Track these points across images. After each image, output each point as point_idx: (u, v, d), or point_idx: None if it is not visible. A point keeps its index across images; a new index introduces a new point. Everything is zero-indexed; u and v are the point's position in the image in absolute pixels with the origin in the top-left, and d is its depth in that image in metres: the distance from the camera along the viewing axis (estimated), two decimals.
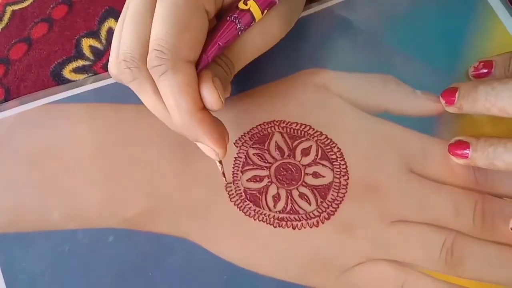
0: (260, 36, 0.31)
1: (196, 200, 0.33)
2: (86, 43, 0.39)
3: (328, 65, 0.37)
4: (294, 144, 0.34)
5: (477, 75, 0.35)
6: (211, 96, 0.28)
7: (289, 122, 0.35)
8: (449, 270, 0.31)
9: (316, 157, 0.34)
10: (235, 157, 0.34)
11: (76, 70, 0.38)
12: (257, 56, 0.32)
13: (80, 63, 0.39)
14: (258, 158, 0.34)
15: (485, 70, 0.35)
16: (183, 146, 0.34)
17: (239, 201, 0.33)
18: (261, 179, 0.33)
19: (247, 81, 0.36)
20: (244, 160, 0.34)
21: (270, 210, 0.33)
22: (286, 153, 0.34)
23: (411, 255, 0.32)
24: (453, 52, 0.37)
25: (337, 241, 0.32)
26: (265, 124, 0.35)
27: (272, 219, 0.32)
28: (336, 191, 0.33)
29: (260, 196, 0.33)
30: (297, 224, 0.32)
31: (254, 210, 0.33)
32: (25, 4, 0.41)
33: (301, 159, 0.34)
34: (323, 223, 0.32)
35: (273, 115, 0.35)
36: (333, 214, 0.32)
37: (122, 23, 0.29)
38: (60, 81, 0.38)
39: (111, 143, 0.35)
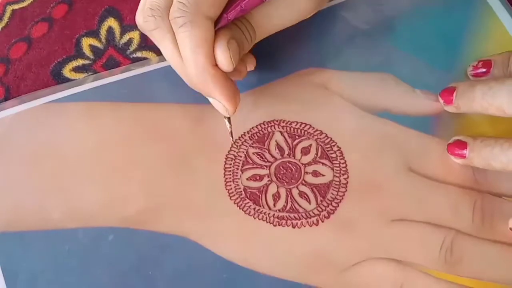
0: (286, 9, 0.31)
1: (196, 199, 0.33)
2: (86, 42, 0.39)
3: (328, 64, 0.37)
4: (294, 143, 0.34)
5: (476, 74, 0.35)
6: (222, 55, 0.29)
7: (289, 121, 0.35)
8: (448, 269, 0.31)
9: (316, 156, 0.34)
10: (235, 156, 0.34)
11: (76, 69, 0.38)
12: (281, 29, 0.33)
13: (80, 62, 0.39)
14: (258, 157, 0.34)
15: (484, 70, 0.35)
16: (182, 145, 0.34)
17: (239, 199, 0.33)
18: (261, 178, 0.34)
19: (247, 81, 0.36)
20: (244, 159, 0.34)
21: (270, 208, 0.33)
22: (286, 152, 0.34)
23: (411, 254, 0.32)
24: (452, 51, 0.37)
25: (337, 240, 0.32)
26: (265, 123, 0.35)
27: (272, 218, 0.32)
28: (336, 189, 0.33)
29: (260, 195, 0.33)
30: (297, 223, 0.32)
31: (254, 209, 0.33)
32: (25, 4, 0.41)
33: (301, 158, 0.34)
34: (323, 221, 0.32)
35: (273, 114, 0.36)
36: (333, 213, 0.32)
37: None
38: (60, 80, 0.38)
39: (110, 142, 0.35)
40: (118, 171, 0.34)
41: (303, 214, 0.32)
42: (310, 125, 0.35)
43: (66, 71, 0.38)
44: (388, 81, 0.37)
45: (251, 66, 0.35)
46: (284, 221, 0.32)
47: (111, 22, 0.40)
